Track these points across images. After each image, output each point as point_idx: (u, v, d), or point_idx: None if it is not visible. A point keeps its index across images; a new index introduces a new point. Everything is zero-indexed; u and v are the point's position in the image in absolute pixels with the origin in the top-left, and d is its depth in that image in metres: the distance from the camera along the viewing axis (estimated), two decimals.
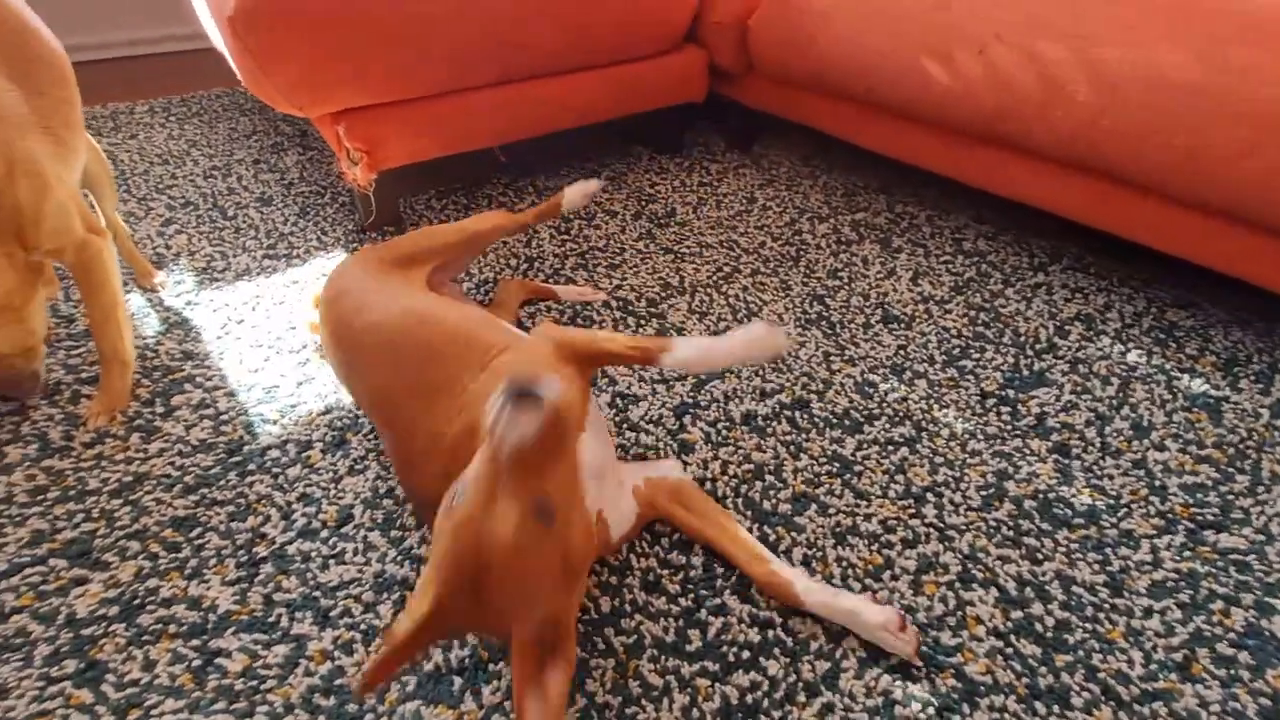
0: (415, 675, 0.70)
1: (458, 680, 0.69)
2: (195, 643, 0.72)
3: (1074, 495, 0.90)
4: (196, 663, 0.71)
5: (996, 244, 1.47)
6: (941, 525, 0.86)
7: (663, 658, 0.71)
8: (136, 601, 0.76)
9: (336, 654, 0.72)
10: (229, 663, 0.71)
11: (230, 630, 0.74)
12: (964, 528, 0.86)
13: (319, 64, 1.16)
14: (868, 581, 0.79)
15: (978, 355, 1.15)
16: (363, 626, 0.74)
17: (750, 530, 0.85)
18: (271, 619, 0.75)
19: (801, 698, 0.68)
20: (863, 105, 1.49)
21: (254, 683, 0.69)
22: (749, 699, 0.68)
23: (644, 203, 1.63)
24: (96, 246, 0.95)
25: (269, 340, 1.16)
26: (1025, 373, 1.11)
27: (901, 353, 1.16)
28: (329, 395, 1.05)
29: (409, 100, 1.31)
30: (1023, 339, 1.19)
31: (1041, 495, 0.90)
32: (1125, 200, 1.15)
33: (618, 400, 1.05)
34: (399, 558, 0.81)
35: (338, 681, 0.69)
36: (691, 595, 0.77)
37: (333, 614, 0.76)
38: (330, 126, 1.27)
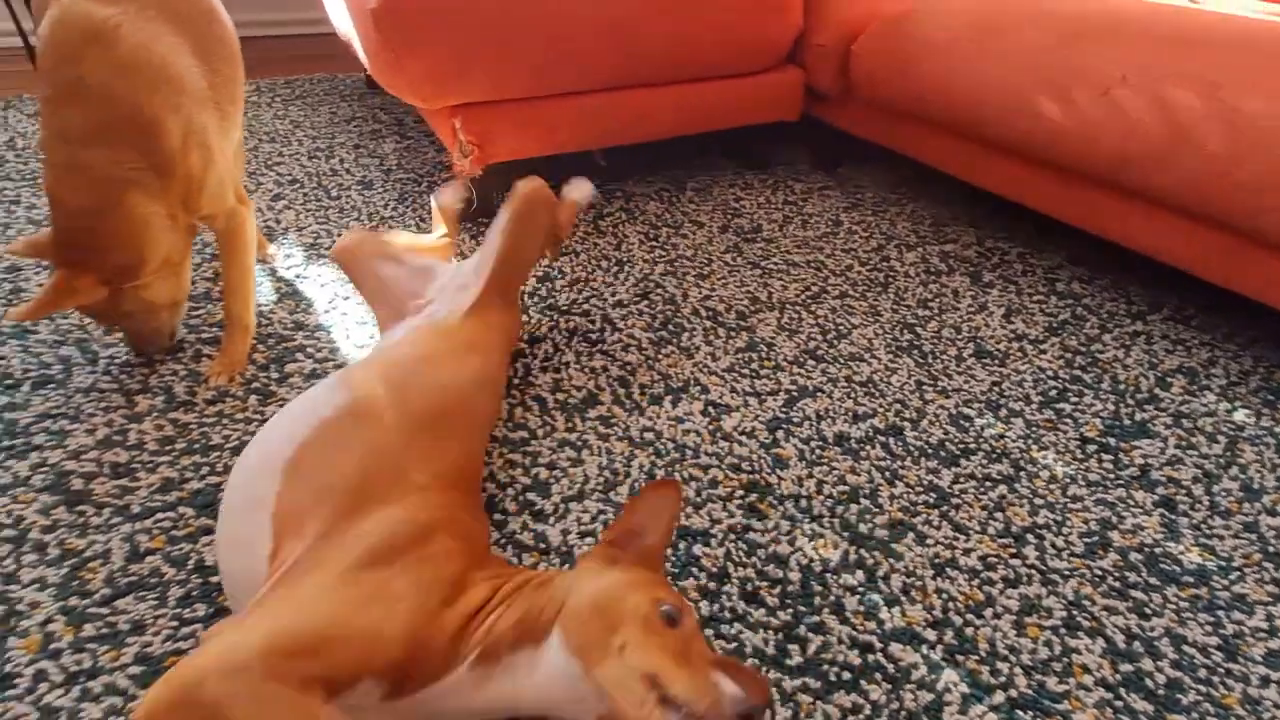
0: None
1: None
2: None
3: (1182, 553, 0.87)
4: None
5: (1092, 287, 1.44)
6: (1044, 568, 0.84)
7: (764, 668, 0.72)
8: None
9: None
10: None
11: None
12: (1068, 573, 0.84)
13: (451, 60, 1.20)
14: (969, 617, 0.78)
15: (1076, 399, 1.13)
16: None
17: (847, 553, 0.85)
18: None
19: None
20: (963, 137, 1.48)
21: None
22: None
23: (730, 216, 1.64)
24: (243, 216, 1.01)
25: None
26: (1126, 422, 1.08)
27: (996, 389, 1.14)
28: None
29: (523, 99, 1.35)
30: (1122, 387, 1.16)
31: (1148, 549, 0.87)
32: (1247, 255, 1.12)
33: (710, 409, 1.06)
34: (500, 539, 0.83)
35: None
36: (790, 610, 0.78)
37: None
38: (446, 119, 1.32)
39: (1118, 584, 0.83)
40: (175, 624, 0.72)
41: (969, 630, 0.77)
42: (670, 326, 1.25)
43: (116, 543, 0.80)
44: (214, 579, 0.77)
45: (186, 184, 0.92)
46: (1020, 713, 0.69)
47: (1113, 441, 1.04)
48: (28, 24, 2.09)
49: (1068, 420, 1.08)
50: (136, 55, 0.85)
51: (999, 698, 0.70)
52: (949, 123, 1.46)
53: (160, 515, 0.84)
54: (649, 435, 1.01)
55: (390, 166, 1.76)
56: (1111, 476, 0.98)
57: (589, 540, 0.84)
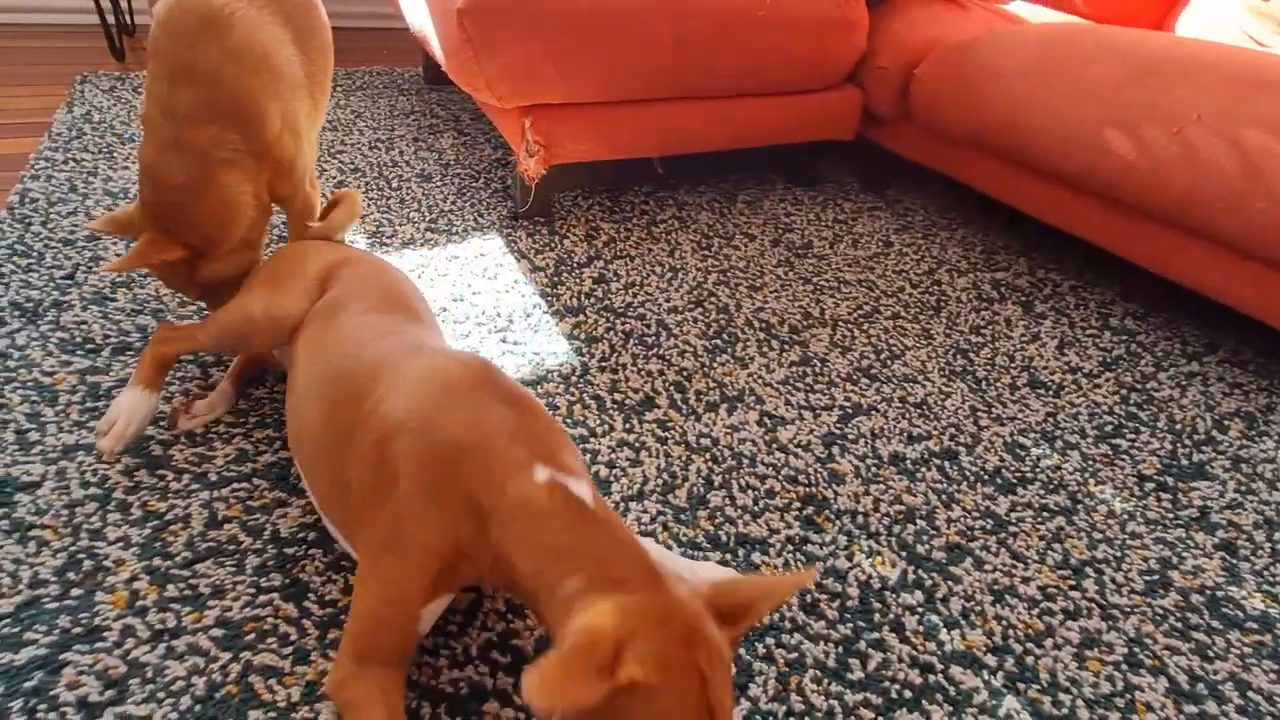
0: None
1: None
2: None
3: (1244, 598, 0.87)
4: None
5: (1146, 325, 1.43)
6: (1104, 603, 0.84)
7: (825, 681, 0.72)
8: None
9: (509, 615, 0.75)
10: None
11: None
12: (1128, 610, 0.83)
13: (530, 61, 1.23)
14: (1029, 645, 0.78)
15: (1132, 436, 1.12)
16: None
17: (905, 572, 0.85)
18: None
19: None
20: (1021, 166, 1.49)
21: (440, 623, 0.73)
22: None
23: (781, 231, 1.65)
24: (313, 200, 1.04)
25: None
26: (1184, 462, 1.08)
27: (1051, 420, 1.14)
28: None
29: (591, 104, 1.37)
30: (1179, 427, 1.15)
31: (1209, 592, 0.87)
32: None
33: (765, 419, 1.07)
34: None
35: (513, 641, 0.73)
36: (850, 624, 0.78)
37: None
38: (516, 119, 1.35)
39: (1179, 624, 0.82)
40: (253, 591, 0.74)
41: (1029, 659, 0.77)
42: (725, 335, 1.26)
43: (196, 508, 0.82)
44: (289, 550, 0.79)
45: (276, 168, 0.95)
46: None
47: (1170, 481, 1.04)
48: (107, 3, 2.16)
49: (1124, 456, 1.08)
50: (247, 43, 0.89)
51: None
52: (1008, 151, 1.46)
53: (236, 485, 0.86)
54: (705, 441, 1.02)
55: (448, 161, 1.79)
56: (1170, 516, 0.97)
57: (649, 539, 0.86)
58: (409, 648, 0.63)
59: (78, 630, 0.69)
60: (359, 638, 0.61)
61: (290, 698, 0.66)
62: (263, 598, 0.74)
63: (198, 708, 0.64)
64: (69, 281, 1.19)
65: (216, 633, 0.70)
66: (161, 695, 0.64)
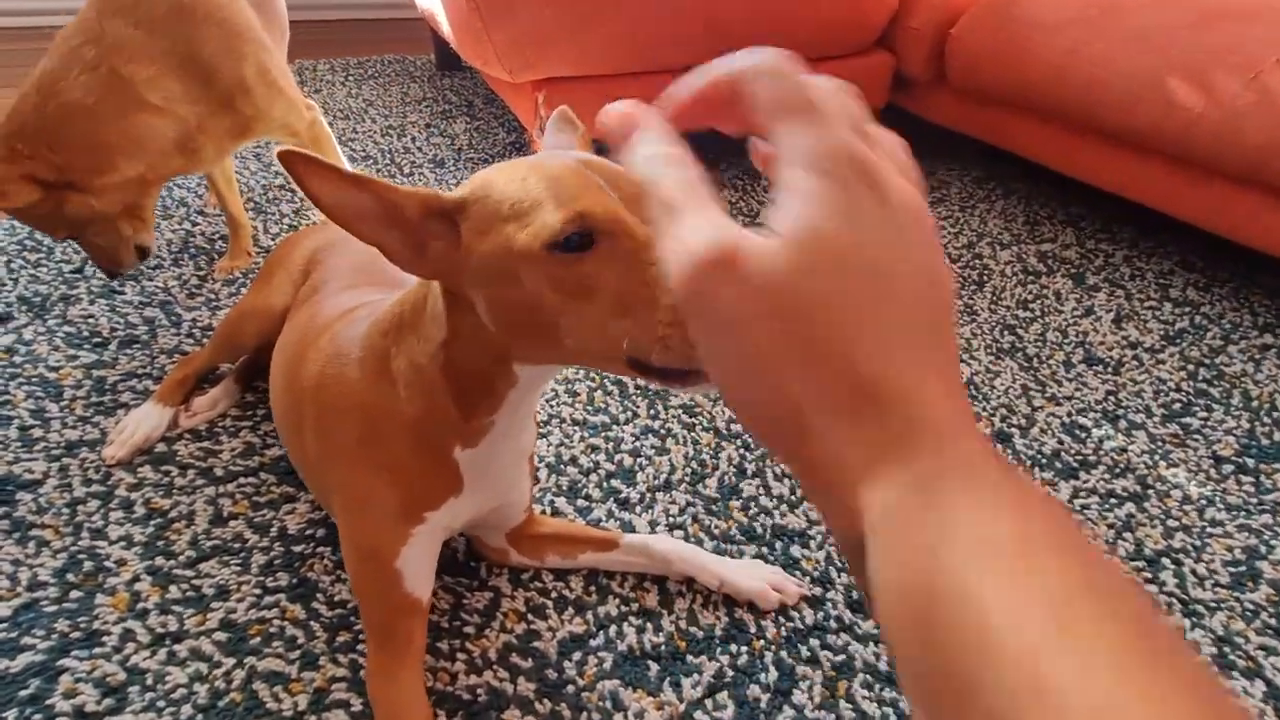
0: (611, 654, 0.67)
1: (654, 665, 0.66)
2: None
3: None
4: None
5: (1210, 295, 1.32)
6: (1185, 598, 0.76)
7: (877, 686, 0.66)
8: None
9: (529, 616, 0.70)
10: (435, 601, 0.70)
11: None
12: (1214, 605, 0.75)
13: (542, 30, 1.17)
14: None
15: (1204, 414, 1.02)
16: (552, 593, 0.72)
17: None
18: (473, 565, 0.74)
19: None
20: (1071, 127, 1.38)
21: (457, 624, 0.68)
22: None
23: None
24: (317, 121, 1.14)
25: None
26: (1264, 441, 0.98)
27: (1112, 398, 1.05)
28: None
29: (607, 76, 1.31)
30: (1255, 404, 1.05)
31: None
32: None
33: None
34: (573, 516, 0.79)
35: (534, 643, 0.67)
36: None
37: (523, 576, 0.74)
38: (529, 95, 1.29)
39: (1274, 621, 0.74)
40: (259, 591, 0.70)
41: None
42: None
43: (200, 505, 0.78)
44: (296, 547, 0.75)
45: (254, 120, 0.99)
46: None
47: (1250, 462, 0.94)
48: None
49: (1197, 436, 0.98)
50: (211, 7, 0.91)
51: None
52: (1056, 110, 1.36)
53: (242, 480, 0.82)
54: (736, 427, 0.95)
55: (461, 146, 1.74)
56: (1254, 501, 0.88)
57: (677, 533, 0.79)
58: (413, 620, 0.59)
59: (76, 635, 0.65)
60: (364, 616, 0.61)
61: (297, 706, 0.61)
62: (269, 599, 0.69)
63: (200, 717, 0.60)
64: (77, 275, 1.17)
65: (220, 636, 0.66)
66: (162, 704, 0.60)
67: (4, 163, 0.85)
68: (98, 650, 0.64)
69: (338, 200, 0.43)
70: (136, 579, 0.70)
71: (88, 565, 0.71)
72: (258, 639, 0.66)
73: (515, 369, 0.51)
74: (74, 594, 0.69)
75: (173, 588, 0.70)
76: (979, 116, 1.57)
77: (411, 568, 0.59)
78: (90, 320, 1.06)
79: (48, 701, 0.60)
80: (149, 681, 0.62)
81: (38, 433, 0.86)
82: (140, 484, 0.81)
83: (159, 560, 0.72)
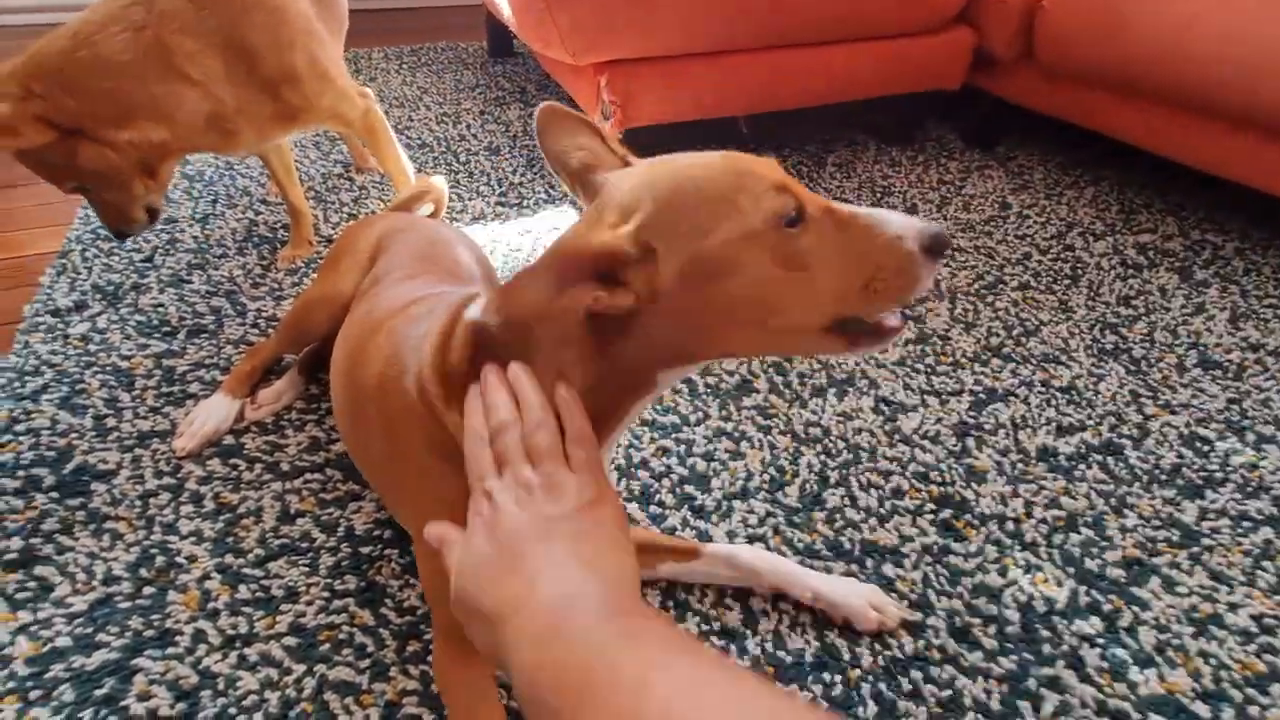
0: None
1: None
2: None
3: None
4: None
5: None
6: None
7: None
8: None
9: None
10: None
11: None
12: None
13: (606, 9, 1.12)
14: (1250, 692, 0.62)
15: None
16: None
17: (1075, 593, 0.70)
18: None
19: None
20: (1178, 107, 1.25)
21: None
22: None
23: (879, 195, 1.48)
24: (372, 110, 1.13)
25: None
26: None
27: (1235, 407, 0.94)
28: None
29: (671, 57, 1.25)
30: None
31: None
32: None
33: (882, 406, 0.93)
34: (647, 524, 0.74)
35: None
36: (1013, 656, 0.64)
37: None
38: (591, 78, 1.24)
39: None
40: (327, 595, 0.68)
41: (1253, 709, 0.61)
42: None
43: (268, 501, 0.77)
44: (364, 549, 0.72)
45: (290, 108, 0.98)
46: None
47: None
48: None
49: None
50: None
51: None
52: (1168, 91, 1.23)
53: (309, 476, 0.80)
54: (815, 430, 0.89)
55: (516, 133, 1.71)
56: None
57: (758, 545, 0.74)
58: None
59: (150, 633, 0.64)
60: (436, 616, 0.58)
61: (369, 719, 0.58)
62: (337, 603, 0.67)
63: None
64: (148, 264, 1.18)
65: (290, 641, 0.64)
66: (234, 711, 0.59)
67: (17, 101, 0.82)
68: (170, 651, 0.63)
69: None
70: (207, 576, 0.69)
71: (160, 560, 0.70)
72: (327, 645, 0.64)
73: (659, 377, 0.48)
74: (147, 590, 0.68)
75: (242, 587, 0.68)
76: (1069, 97, 1.44)
77: None
78: (160, 309, 1.07)
79: (122, 703, 0.59)
80: (220, 686, 0.60)
81: (111, 422, 0.86)
82: (209, 477, 0.80)
83: (228, 558, 0.71)
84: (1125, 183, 1.54)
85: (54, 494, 0.77)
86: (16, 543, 0.71)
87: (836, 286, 0.44)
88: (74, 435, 0.84)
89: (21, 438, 0.84)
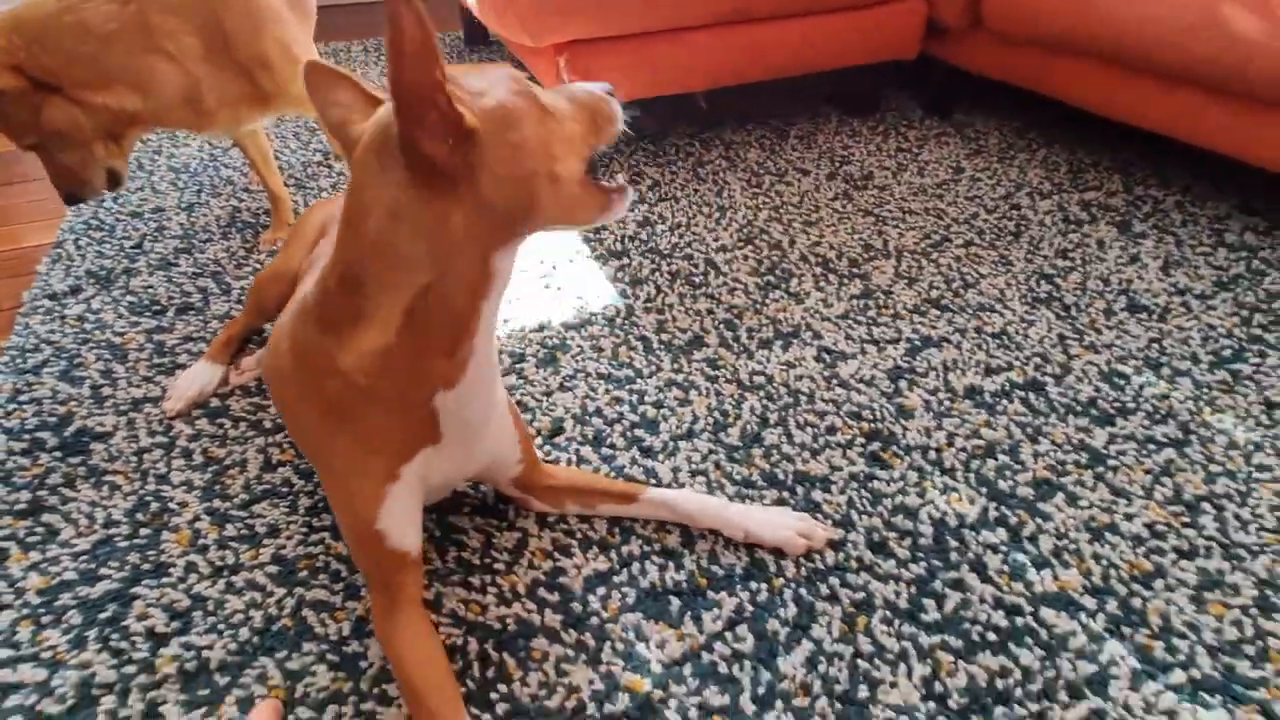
0: (634, 590, 0.69)
1: (675, 601, 0.68)
2: (434, 517, 0.76)
3: None
4: (436, 534, 0.75)
5: (1272, 239, 1.24)
6: (1226, 541, 0.73)
7: (896, 622, 0.66)
8: None
9: (555, 554, 0.73)
10: (466, 539, 0.74)
11: (464, 510, 0.77)
12: (1257, 549, 0.72)
13: None
14: (1135, 587, 0.69)
15: (1257, 360, 0.97)
16: (578, 534, 0.75)
17: (986, 510, 0.77)
18: (501, 508, 0.78)
19: (1063, 697, 0.60)
20: (1121, 67, 1.30)
21: (487, 561, 0.72)
22: (999, 685, 0.61)
23: (838, 164, 1.53)
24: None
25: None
26: None
27: (1156, 346, 1.00)
28: (541, 315, 1.08)
29: (629, 36, 1.30)
30: None
31: None
32: None
33: (824, 355, 0.99)
34: (610, 474, 0.81)
35: (561, 579, 0.71)
36: (923, 563, 0.71)
37: (549, 519, 0.77)
38: (551, 60, 1.29)
39: None
40: (305, 530, 0.75)
41: (1136, 601, 0.68)
42: (777, 272, 1.18)
43: (252, 454, 0.84)
44: None
45: (263, 93, 1.03)
46: (1206, 695, 0.60)
47: None
48: None
49: (1248, 383, 0.94)
50: None
51: (1178, 677, 0.61)
52: (1106, 51, 1.29)
53: (289, 432, 0.87)
54: (759, 379, 0.95)
55: None
56: None
57: (699, 479, 0.81)
58: (404, 572, 0.61)
59: (146, 566, 0.71)
60: (362, 570, 0.64)
61: (341, 631, 0.66)
62: (314, 536, 0.74)
63: (256, 639, 0.65)
64: (137, 250, 1.25)
65: (272, 569, 0.71)
66: (222, 627, 0.66)
67: (7, 40, 0.86)
68: (165, 580, 0.70)
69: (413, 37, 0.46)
70: (197, 519, 0.76)
71: (154, 506, 0.78)
72: (305, 572, 0.71)
73: (494, 265, 0.53)
74: (143, 531, 0.75)
75: (229, 526, 0.75)
76: (1019, 62, 1.49)
77: (394, 525, 0.59)
78: (150, 290, 1.14)
79: (123, 623, 0.66)
80: (210, 607, 0.68)
81: (106, 391, 0.94)
82: (198, 435, 0.87)
83: (216, 502, 0.78)
84: (1076, 144, 1.59)
85: (56, 453, 0.84)
86: (25, 495, 0.79)
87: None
88: (73, 403, 0.92)
89: (25, 406, 0.91)
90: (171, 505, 0.78)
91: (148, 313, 1.09)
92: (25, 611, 0.68)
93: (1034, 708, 0.60)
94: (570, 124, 0.54)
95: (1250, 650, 0.64)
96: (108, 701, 0.60)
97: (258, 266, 1.20)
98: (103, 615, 0.67)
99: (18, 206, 1.46)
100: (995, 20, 1.47)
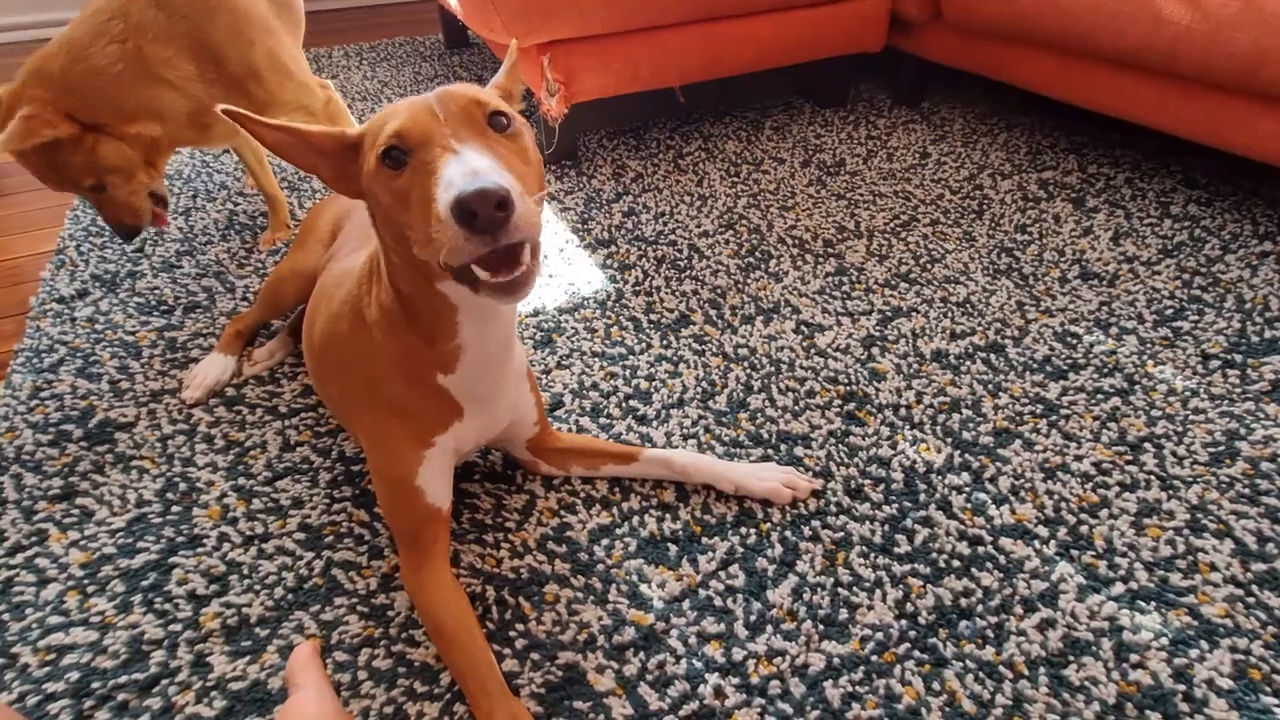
0: (635, 540, 0.76)
1: (673, 547, 0.75)
2: None
3: None
4: None
5: (1212, 210, 1.34)
6: (1164, 475, 0.82)
7: (872, 555, 0.74)
8: None
9: (562, 512, 0.80)
10: (479, 502, 0.80)
11: (475, 478, 0.83)
12: (1190, 480, 0.81)
13: None
14: (1083, 516, 0.77)
15: (1196, 318, 1.06)
16: (581, 494, 0.82)
17: (951, 457, 0.85)
18: (510, 474, 0.84)
19: (1019, 610, 0.68)
20: (1066, 55, 1.39)
21: (499, 520, 0.78)
22: (963, 603, 0.69)
23: (811, 152, 1.61)
24: (334, 99, 1.22)
25: None
26: (1254, 339, 1.02)
27: (1105, 308, 1.09)
28: (536, 301, 1.14)
29: (609, 35, 1.36)
30: (1249, 306, 1.08)
31: None
32: None
33: (802, 328, 1.07)
34: (597, 433, 0.88)
35: (568, 533, 0.77)
36: (895, 504, 0.79)
37: (555, 481, 0.83)
38: (535, 59, 1.35)
39: (1247, 491, 0.79)
40: (328, 501, 0.81)
41: (1083, 529, 0.76)
42: (757, 254, 1.25)
43: (270, 436, 0.90)
44: (355, 467, 0.85)
45: (257, 103, 1.07)
46: (1142, 603, 0.68)
47: (1238, 358, 0.98)
48: None
49: (1187, 338, 1.03)
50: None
51: (1118, 589, 0.69)
52: (1053, 39, 1.37)
53: (304, 414, 0.93)
54: (743, 351, 1.03)
55: None
56: (1238, 391, 0.93)
57: (691, 442, 0.88)
58: (438, 526, 0.67)
59: (181, 539, 0.77)
60: (395, 527, 0.69)
61: (369, 586, 0.72)
62: (337, 506, 0.80)
63: (290, 596, 0.71)
64: (139, 254, 1.29)
65: (299, 536, 0.77)
66: (258, 588, 0.72)
67: (42, 103, 0.91)
68: (200, 550, 0.75)
69: (275, 140, 0.54)
70: (224, 495, 0.82)
71: (182, 486, 0.83)
72: (331, 537, 0.77)
73: (440, 288, 0.57)
74: (174, 509, 0.80)
75: (255, 500, 0.81)
76: (977, 52, 1.58)
77: (430, 484, 0.66)
78: (156, 291, 1.18)
79: (165, 588, 0.72)
80: (245, 571, 0.73)
81: (125, 385, 0.98)
82: (218, 421, 0.92)
83: (241, 480, 0.84)
84: (1035, 127, 1.68)
85: (83, 443, 0.89)
86: (57, 482, 0.84)
87: (418, 233, 0.48)
88: (94, 397, 0.96)
89: (48, 402, 0.95)
90: (199, 485, 0.83)
91: (156, 312, 1.14)
92: (70, 584, 0.73)
93: (993, 620, 0.67)
94: (415, 222, 0.49)
95: (1182, 564, 0.72)
96: (158, 655, 0.66)
97: (259, 265, 1.25)
98: (145, 583, 0.72)
99: (12, 217, 1.49)
100: (953, 13, 1.55)
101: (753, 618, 0.68)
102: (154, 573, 0.73)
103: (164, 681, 0.64)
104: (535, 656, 0.65)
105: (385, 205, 0.52)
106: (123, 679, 0.64)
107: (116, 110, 0.97)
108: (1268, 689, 0.62)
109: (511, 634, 0.67)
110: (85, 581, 0.73)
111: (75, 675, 0.64)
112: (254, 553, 0.75)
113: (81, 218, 1.41)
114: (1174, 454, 0.84)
